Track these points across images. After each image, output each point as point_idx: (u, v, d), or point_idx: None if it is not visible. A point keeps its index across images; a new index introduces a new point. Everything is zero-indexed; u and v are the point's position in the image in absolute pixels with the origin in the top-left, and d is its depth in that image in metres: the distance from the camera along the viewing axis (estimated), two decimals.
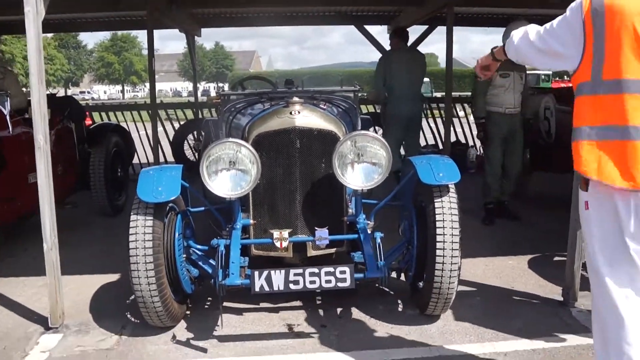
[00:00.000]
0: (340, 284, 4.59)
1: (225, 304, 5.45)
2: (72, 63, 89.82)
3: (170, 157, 13.53)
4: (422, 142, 13.70)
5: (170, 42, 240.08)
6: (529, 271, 6.45)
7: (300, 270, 4.58)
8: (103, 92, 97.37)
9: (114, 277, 6.39)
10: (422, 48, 12.20)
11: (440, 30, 11.96)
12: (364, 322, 5.22)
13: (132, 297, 5.01)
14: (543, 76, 39.34)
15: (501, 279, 6.24)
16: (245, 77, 9.40)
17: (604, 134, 3.29)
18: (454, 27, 10.62)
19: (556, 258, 6.71)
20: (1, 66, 8.29)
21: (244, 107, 6.39)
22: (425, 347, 4.72)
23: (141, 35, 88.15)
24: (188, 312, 5.40)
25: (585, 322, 4.99)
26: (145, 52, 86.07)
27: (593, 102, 3.35)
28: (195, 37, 14.84)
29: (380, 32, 13.94)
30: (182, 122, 14.48)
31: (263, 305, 5.57)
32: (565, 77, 42.77)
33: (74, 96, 11.84)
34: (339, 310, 5.46)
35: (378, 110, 12.03)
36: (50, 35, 60.68)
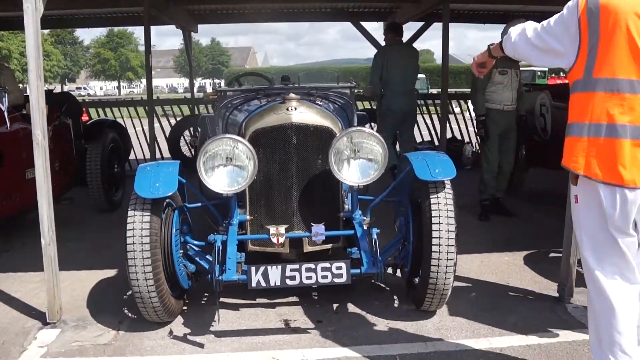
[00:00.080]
0: (336, 280, 4.61)
1: (222, 299, 5.46)
2: (69, 59, 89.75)
3: (166, 153, 13.52)
4: (418, 139, 13.76)
5: (166, 38, 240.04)
6: (524, 267, 6.47)
7: (296, 266, 4.60)
8: (99, 88, 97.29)
9: (111, 272, 6.40)
10: (418, 44, 12.26)
11: (436, 27, 11.98)
12: (360, 318, 5.23)
13: (130, 292, 5.03)
14: (539, 73, 39.40)
15: (497, 274, 6.26)
16: (242, 73, 9.41)
17: (593, 130, 3.39)
18: (450, 24, 10.65)
19: (552, 254, 6.74)
20: None
21: (240, 103, 6.40)
22: (421, 343, 4.74)
23: (137, 31, 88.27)
24: (185, 308, 5.41)
25: (580, 318, 5.02)
26: (141, 48, 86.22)
27: (584, 99, 3.44)
28: (192, 33, 14.83)
29: (377, 29, 13.95)
30: (178, 118, 14.48)
31: (259, 300, 5.59)
32: (562, 73, 42.78)
33: (70, 92, 11.80)
34: (335, 305, 5.47)
35: (374, 107, 12.05)
36: (46, 31, 60.57)
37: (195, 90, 15.91)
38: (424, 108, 14.45)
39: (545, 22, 3.63)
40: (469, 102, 14.45)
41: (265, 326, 5.09)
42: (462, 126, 14.43)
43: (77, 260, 6.66)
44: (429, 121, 14.33)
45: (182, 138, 13.58)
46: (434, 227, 4.78)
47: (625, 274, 3.51)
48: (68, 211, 8.66)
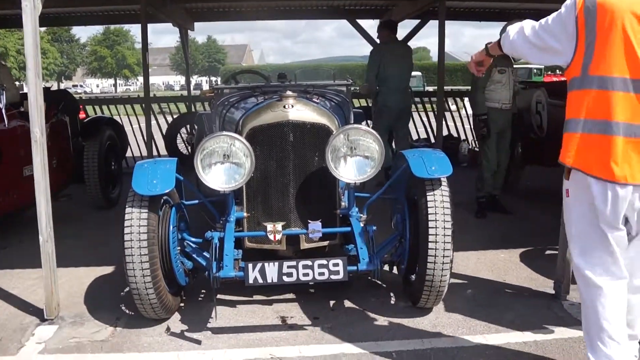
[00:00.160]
0: (333, 277, 4.62)
1: (219, 296, 5.48)
2: (65, 57, 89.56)
3: (163, 151, 13.52)
4: (415, 136, 13.79)
5: (162, 35, 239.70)
6: (520, 264, 6.48)
7: (293, 263, 4.61)
8: (95, 85, 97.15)
9: (108, 269, 6.41)
10: (414, 42, 12.28)
11: (433, 24, 11.97)
12: (356, 315, 5.24)
13: (127, 289, 5.05)
14: (535, 70, 39.38)
15: (493, 272, 6.28)
16: (239, 70, 9.42)
17: (588, 127, 3.46)
18: (446, 21, 10.66)
19: (548, 251, 6.76)
20: None
21: (237, 100, 6.41)
22: (417, 340, 4.75)
23: (134, 29, 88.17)
24: (182, 304, 5.42)
25: (576, 315, 5.02)
26: (137, 45, 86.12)
27: (581, 96, 3.51)
28: (189, 31, 14.82)
29: (373, 26, 14.00)
30: (174, 116, 14.48)
31: (256, 297, 5.60)
32: (558, 71, 42.84)
33: (67, 90, 11.81)
34: (331, 302, 5.48)
35: (370, 104, 12.07)
36: (43, 28, 60.53)
37: (191, 87, 15.91)
38: (420, 106, 14.47)
39: (543, 21, 3.67)
40: (466, 99, 14.53)
41: (262, 323, 5.11)
42: (459, 124, 14.45)
43: (75, 257, 6.67)
44: (425, 119, 14.34)
45: (178, 135, 13.58)
46: (431, 224, 4.79)
47: (611, 268, 3.59)
48: (66, 208, 8.65)
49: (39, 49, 5.04)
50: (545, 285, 5.78)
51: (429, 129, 14.26)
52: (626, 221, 3.55)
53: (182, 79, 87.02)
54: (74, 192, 9.13)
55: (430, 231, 4.78)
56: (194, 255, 5.21)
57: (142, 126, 13.00)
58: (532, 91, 9.27)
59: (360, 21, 13.92)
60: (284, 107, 5.05)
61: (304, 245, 5.17)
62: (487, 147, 8.35)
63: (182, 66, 74.02)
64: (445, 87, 12.18)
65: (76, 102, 10.05)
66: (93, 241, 7.53)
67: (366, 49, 11.18)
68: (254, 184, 5.11)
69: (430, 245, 4.78)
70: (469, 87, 8.80)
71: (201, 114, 8.11)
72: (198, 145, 4.79)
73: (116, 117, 12.24)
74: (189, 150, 12.71)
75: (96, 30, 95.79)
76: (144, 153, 12.42)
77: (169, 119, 14.34)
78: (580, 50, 3.46)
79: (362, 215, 5.23)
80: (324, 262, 4.61)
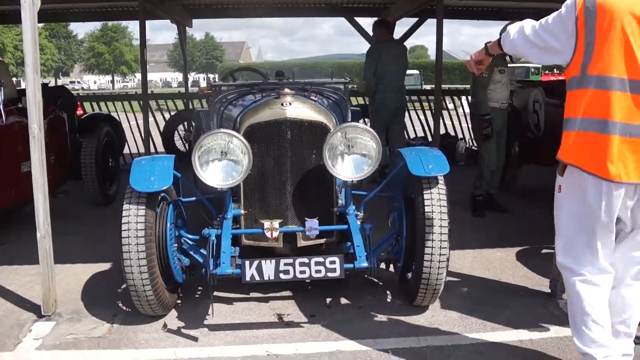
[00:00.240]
0: (330, 274, 4.62)
1: (215, 293, 5.49)
2: (63, 53, 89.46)
3: (160, 148, 13.53)
4: (412, 135, 13.80)
5: (160, 32, 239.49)
6: (517, 263, 6.50)
7: (290, 260, 4.61)
8: (93, 82, 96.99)
9: (105, 266, 6.42)
10: (412, 40, 12.32)
11: (430, 23, 11.99)
12: (353, 312, 5.26)
13: (124, 285, 5.06)
14: (532, 69, 39.37)
15: (489, 270, 6.29)
16: (236, 68, 9.42)
17: (586, 125, 3.50)
18: (444, 20, 10.66)
19: (544, 250, 6.77)
20: None
21: (235, 98, 6.42)
22: (413, 337, 4.76)
23: (131, 25, 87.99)
24: (179, 301, 5.43)
25: None
26: (135, 42, 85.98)
27: (580, 95, 3.57)
28: (187, 27, 14.82)
29: (370, 24, 13.96)
30: (172, 113, 14.47)
31: (253, 294, 5.61)
32: (555, 70, 42.88)
33: (65, 86, 11.81)
34: (328, 300, 5.50)
35: (367, 102, 12.10)
36: (41, 25, 60.48)
37: (189, 84, 15.91)
38: (418, 104, 14.49)
39: (543, 20, 3.71)
40: (463, 98, 14.55)
41: (258, 320, 5.12)
42: (456, 122, 14.46)
43: (72, 253, 6.68)
44: (422, 117, 14.34)
45: (176, 132, 13.58)
46: (427, 222, 4.81)
47: (594, 262, 3.70)
48: (63, 204, 8.66)
49: (38, 45, 5.05)
50: (541, 284, 5.80)
51: (426, 128, 14.25)
52: (618, 220, 3.63)
53: (179, 76, 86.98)
54: (71, 188, 9.12)
55: (427, 229, 4.80)
56: (191, 252, 5.22)
57: (139, 123, 13.01)
58: (530, 90, 9.30)
59: (358, 19, 13.92)
60: (282, 104, 5.05)
61: (301, 242, 5.17)
62: (489, 146, 8.34)
63: (179, 63, 74.18)
64: (442, 86, 12.19)
65: (74, 99, 10.05)
66: (90, 238, 7.53)
67: (364, 47, 11.21)
68: (251, 181, 5.12)
69: (427, 243, 4.80)
70: (467, 86, 8.82)
71: (199, 111, 8.13)
72: (196, 142, 4.80)
73: (114, 114, 12.23)
74: (187, 147, 12.71)
75: (94, 26, 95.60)
76: (142, 150, 12.42)
77: (167, 115, 14.32)
78: (580, 49, 3.50)
79: (359, 213, 5.24)
80: (321, 259, 4.62)
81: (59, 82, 66.27)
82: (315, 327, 4.96)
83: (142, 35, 11.30)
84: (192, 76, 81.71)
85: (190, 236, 5.31)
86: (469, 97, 9.43)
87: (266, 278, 4.58)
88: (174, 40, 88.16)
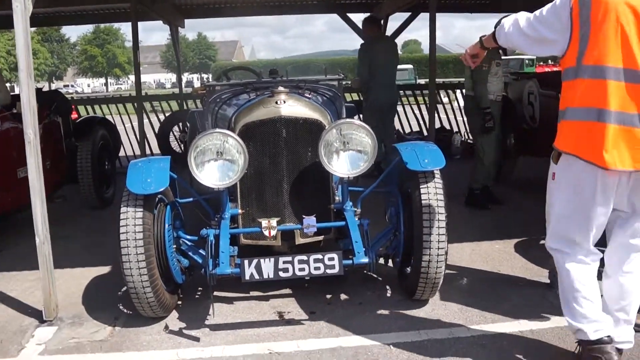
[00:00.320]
0: (329, 271, 4.63)
1: (216, 293, 5.50)
2: (56, 57, 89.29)
3: (156, 149, 13.51)
4: (407, 129, 13.81)
5: (152, 33, 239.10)
6: (515, 255, 6.51)
7: (289, 258, 4.62)
8: (87, 85, 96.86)
9: (105, 269, 6.42)
10: (405, 35, 12.33)
11: (424, 17, 11.98)
12: (353, 308, 5.26)
13: (124, 288, 5.07)
14: (527, 61, 39.41)
15: (488, 262, 6.30)
16: (230, 67, 9.42)
17: (582, 115, 3.54)
18: (437, 14, 10.67)
19: (542, 241, 6.71)
20: None
21: (229, 97, 6.42)
22: (414, 331, 4.77)
23: (124, 27, 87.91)
24: (179, 302, 5.43)
25: None
26: (128, 44, 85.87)
27: (575, 85, 3.60)
28: (179, 28, 14.81)
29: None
30: (167, 114, 14.46)
31: (253, 293, 5.62)
32: (550, 61, 42.87)
33: (59, 90, 11.80)
34: (328, 296, 5.50)
35: (362, 98, 12.12)
36: (33, 29, 60.36)
37: (183, 85, 15.90)
38: (412, 99, 14.50)
39: (537, 12, 3.74)
40: (457, 92, 14.54)
41: (259, 318, 5.13)
42: (451, 116, 14.47)
43: (71, 257, 6.68)
44: (417, 111, 14.35)
45: (171, 134, 13.57)
46: (425, 216, 4.82)
47: (585, 246, 3.80)
48: (60, 209, 8.67)
49: (31, 49, 5.04)
50: (540, 274, 5.81)
51: (421, 122, 14.27)
52: (613, 209, 3.69)
53: (173, 77, 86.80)
54: (67, 192, 9.14)
55: (425, 223, 4.81)
56: (190, 253, 5.22)
57: (134, 125, 12.99)
58: (524, 82, 9.29)
59: (350, 15, 13.95)
60: (276, 103, 5.06)
61: (299, 240, 5.18)
62: (490, 139, 8.33)
63: (172, 64, 73.87)
64: (437, 80, 12.20)
65: (68, 103, 10.03)
66: (89, 241, 7.54)
67: (357, 43, 11.22)
68: (247, 180, 5.12)
69: (425, 237, 4.81)
70: (462, 79, 8.81)
71: (193, 111, 8.12)
72: (191, 143, 4.79)
73: (108, 117, 12.23)
74: (182, 148, 12.71)
75: (86, 29, 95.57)
76: (137, 152, 12.41)
77: (161, 117, 14.31)
78: (575, 40, 3.54)
79: (356, 209, 5.25)
80: (320, 256, 4.63)
81: (53, 87, 66.15)
82: (316, 324, 4.96)
83: (134, 36, 11.31)
84: (185, 76, 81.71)
85: (188, 237, 5.31)
86: (464, 91, 9.42)
87: (265, 276, 4.59)
88: (167, 41, 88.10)
